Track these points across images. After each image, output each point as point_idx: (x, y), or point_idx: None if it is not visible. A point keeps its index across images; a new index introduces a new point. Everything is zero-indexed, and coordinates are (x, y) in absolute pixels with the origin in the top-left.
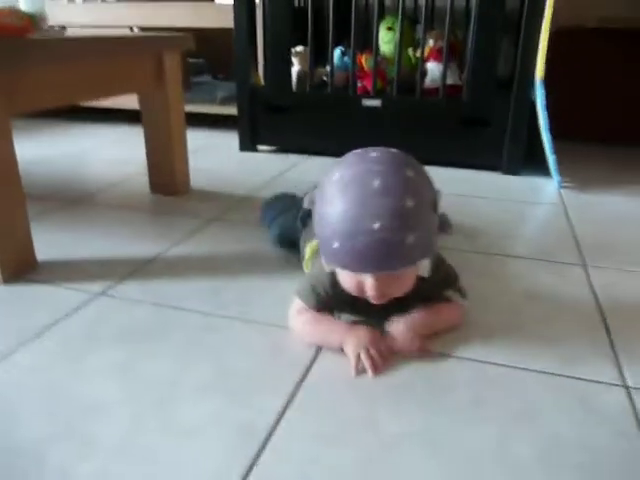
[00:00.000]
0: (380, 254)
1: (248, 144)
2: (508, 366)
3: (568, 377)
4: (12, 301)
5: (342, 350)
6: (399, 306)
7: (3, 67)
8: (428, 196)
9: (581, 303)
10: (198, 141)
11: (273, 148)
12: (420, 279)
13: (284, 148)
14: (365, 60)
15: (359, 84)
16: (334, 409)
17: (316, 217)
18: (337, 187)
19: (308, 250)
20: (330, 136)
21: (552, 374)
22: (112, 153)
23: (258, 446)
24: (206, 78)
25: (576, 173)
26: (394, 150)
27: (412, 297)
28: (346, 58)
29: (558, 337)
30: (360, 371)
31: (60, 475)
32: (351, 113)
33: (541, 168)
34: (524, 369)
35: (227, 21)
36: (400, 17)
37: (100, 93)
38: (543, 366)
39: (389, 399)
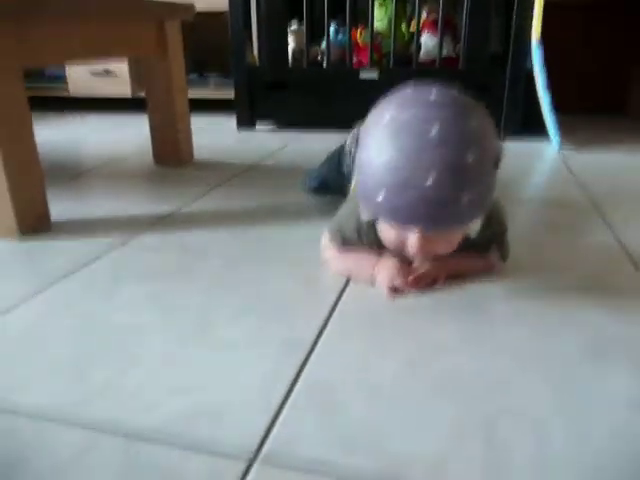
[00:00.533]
0: (430, 212)
1: (246, 122)
2: (541, 288)
3: (601, 288)
4: (32, 251)
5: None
6: None
7: (18, 12)
8: (491, 150)
9: (597, 234)
10: (194, 125)
11: (271, 126)
12: (465, 238)
13: (282, 125)
14: (359, 35)
15: (354, 59)
16: (373, 324)
17: (358, 162)
18: (387, 132)
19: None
20: (328, 110)
21: (586, 288)
22: (111, 136)
23: (303, 355)
24: (192, 77)
25: (568, 137)
26: (455, 91)
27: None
28: (340, 35)
29: (586, 260)
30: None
31: (105, 388)
32: (348, 86)
33: (540, 134)
34: (556, 288)
35: (217, 4)
36: None
37: (105, 53)
38: (574, 283)
39: (427, 312)
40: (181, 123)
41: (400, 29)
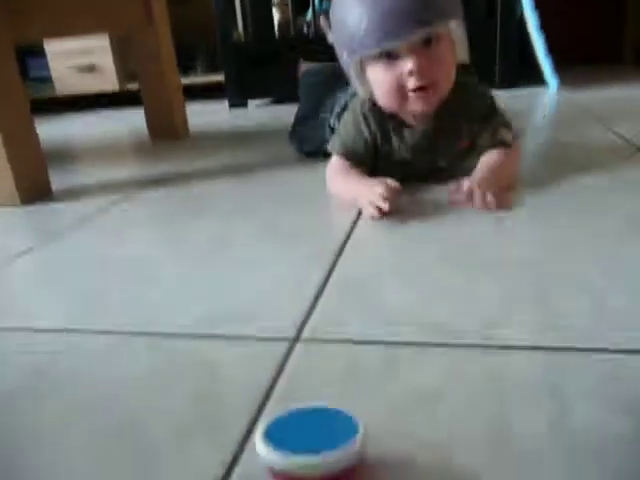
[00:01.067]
0: (411, 5)
1: (238, 99)
2: (565, 184)
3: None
4: (38, 212)
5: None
6: (446, 136)
7: None
8: None
9: (610, 142)
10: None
11: (264, 101)
12: (461, 91)
13: (275, 99)
14: None
15: None
16: (394, 231)
17: (335, 24)
18: None
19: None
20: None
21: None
22: (103, 127)
23: (331, 260)
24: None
25: (565, 81)
26: None
27: (458, 116)
28: (324, 4)
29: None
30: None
31: (124, 304)
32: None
33: (537, 80)
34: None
35: None
36: None
37: (95, 26)
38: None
39: (454, 214)
40: (174, 96)
41: None
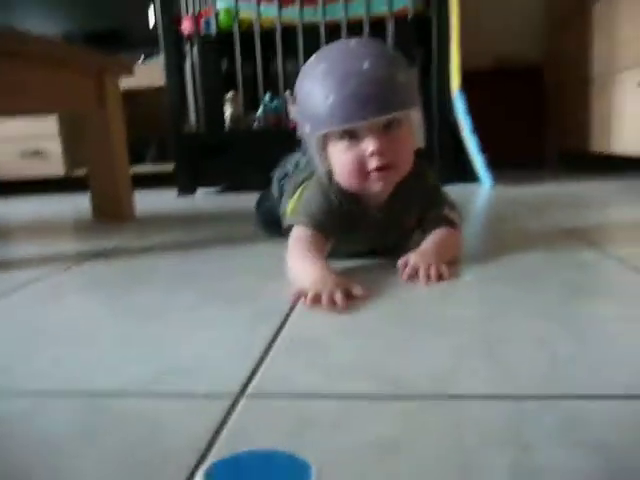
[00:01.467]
0: (375, 92)
1: (186, 187)
2: (505, 259)
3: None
4: None
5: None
6: (397, 216)
7: None
8: (405, 60)
9: (540, 227)
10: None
11: (210, 190)
12: (414, 177)
13: (222, 189)
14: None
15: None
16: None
17: (301, 98)
18: (317, 59)
19: (290, 203)
20: (267, 169)
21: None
22: (44, 209)
23: (279, 320)
24: None
25: (497, 179)
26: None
27: (410, 199)
28: (274, 102)
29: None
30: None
31: (55, 364)
32: (285, 144)
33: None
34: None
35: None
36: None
37: (45, 104)
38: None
39: (396, 284)
40: (122, 178)
41: None
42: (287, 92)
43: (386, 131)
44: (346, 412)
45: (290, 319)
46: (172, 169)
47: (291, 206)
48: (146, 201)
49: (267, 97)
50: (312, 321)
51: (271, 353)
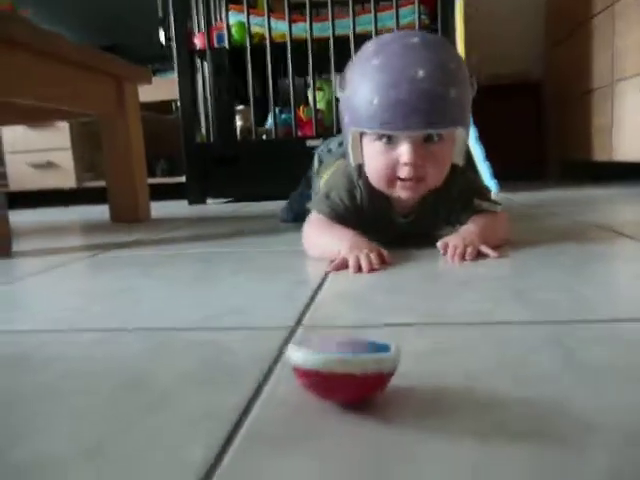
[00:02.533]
0: (424, 104)
1: (197, 197)
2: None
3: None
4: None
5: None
6: (425, 222)
7: None
8: (465, 68)
9: (560, 222)
10: None
11: (221, 200)
12: (450, 181)
13: (233, 199)
14: (302, 111)
15: (299, 133)
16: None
17: (348, 88)
18: (374, 50)
19: (323, 178)
20: (277, 180)
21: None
22: (59, 216)
23: (318, 280)
24: None
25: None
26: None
27: (441, 204)
28: (283, 115)
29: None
30: (338, 267)
31: (113, 314)
32: (295, 155)
33: None
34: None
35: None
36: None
37: (69, 102)
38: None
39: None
40: (139, 181)
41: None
42: (337, 75)
43: (425, 143)
44: (399, 335)
45: (328, 278)
46: (181, 182)
47: (321, 183)
48: (159, 209)
49: (277, 110)
50: (349, 279)
51: (317, 300)
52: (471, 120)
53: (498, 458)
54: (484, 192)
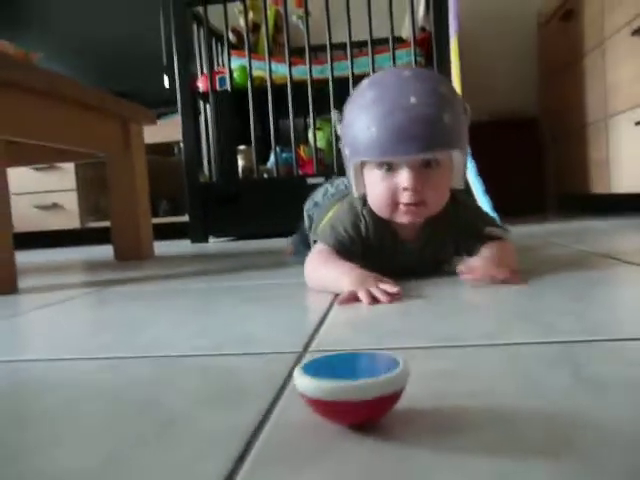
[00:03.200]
0: (416, 130)
1: (200, 236)
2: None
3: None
4: (6, 301)
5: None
6: (432, 250)
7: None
8: (458, 95)
9: (566, 251)
10: None
11: (223, 239)
12: (453, 208)
13: (235, 238)
14: (303, 150)
15: (300, 172)
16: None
17: (346, 122)
18: (369, 85)
19: (322, 222)
20: (279, 218)
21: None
22: (63, 256)
23: (325, 308)
24: None
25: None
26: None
27: (447, 232)
28: (284, 154)
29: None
30: (348, 301)
31: (118, 343)
32: (297, 193)
33: None
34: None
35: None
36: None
37: (77, 143)
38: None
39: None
40: (143, 220)
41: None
42: (335, 112)
43: (424, 168)
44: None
45: (333, 308)
46: (183, 221)
47: (322, 224)
48: (162, 248)
49: (278, 149)
50: (355, 307)
51: (324, 326)
52: (469, 153)
53: (515, 473)
54: (490, 220)
